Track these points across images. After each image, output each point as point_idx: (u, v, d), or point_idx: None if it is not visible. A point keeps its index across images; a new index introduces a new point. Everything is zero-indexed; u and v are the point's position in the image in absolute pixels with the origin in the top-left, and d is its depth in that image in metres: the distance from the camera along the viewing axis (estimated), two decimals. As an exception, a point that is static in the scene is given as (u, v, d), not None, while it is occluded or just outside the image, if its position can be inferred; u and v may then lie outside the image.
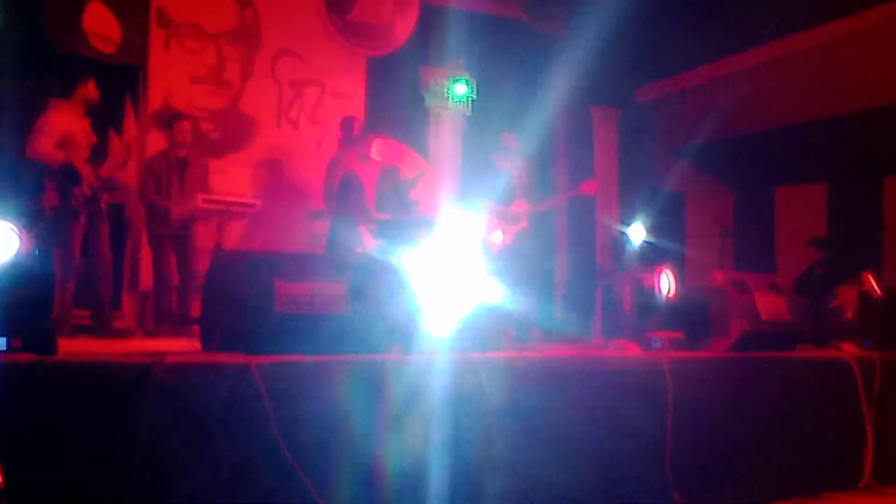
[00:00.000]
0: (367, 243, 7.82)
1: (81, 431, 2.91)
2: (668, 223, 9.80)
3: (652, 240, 8.25)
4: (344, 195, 7.85)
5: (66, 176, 6.74)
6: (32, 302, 3.24)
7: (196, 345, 3.76)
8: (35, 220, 6.56)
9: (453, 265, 4.08)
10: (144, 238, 8.34)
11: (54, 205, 6.78)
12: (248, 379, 3.15)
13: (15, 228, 3.25)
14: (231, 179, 9.02)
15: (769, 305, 4.77)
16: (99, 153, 7.08)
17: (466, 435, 3.58)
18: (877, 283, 5.49)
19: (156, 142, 8.41)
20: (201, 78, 9.17)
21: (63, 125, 6.81)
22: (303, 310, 3.55)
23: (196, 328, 3.96)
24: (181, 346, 3.95)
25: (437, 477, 3.48)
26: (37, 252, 3.36)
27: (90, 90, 7.02)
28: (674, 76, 10.47)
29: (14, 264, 3.21)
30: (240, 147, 9.34)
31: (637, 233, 8.36)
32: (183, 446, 3.05)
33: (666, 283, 4.74)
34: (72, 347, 3.63)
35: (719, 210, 11.47)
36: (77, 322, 6.93)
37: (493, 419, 3.59)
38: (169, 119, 8.00)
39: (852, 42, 8.59)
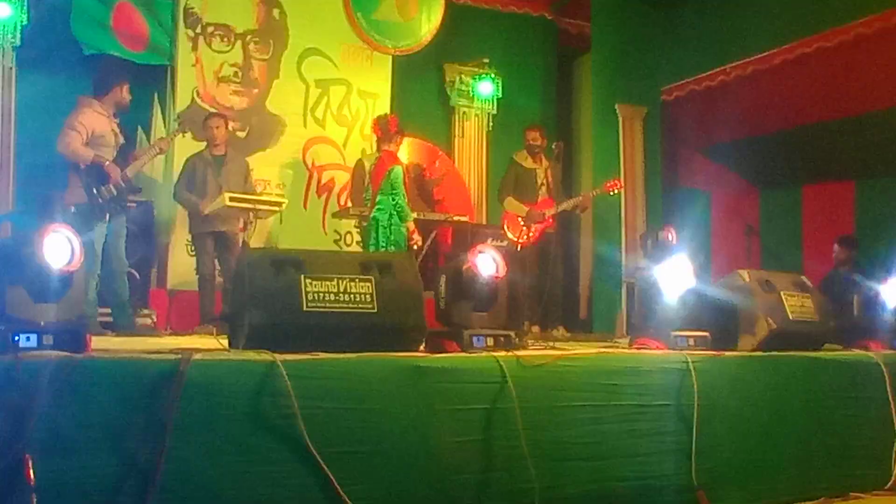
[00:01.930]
0: (415, 239, 7.89)
1: (110, 428, 2.94)
2: (693, 222, 9.76)
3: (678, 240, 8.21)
4: (388, 191, 7.88)
5: (94, 175, 6.80)
6: (63, 299, 3.28)
7: (223, 342, 3.78)
8: (61, 216, 6.61)
9: (475, 259, 4.09)
10: (173, 236, 8.43)
11: (79, 202, 6.84)
12: (275, 376, 3.16)
13: (75, 239, 3.30)
14: (258, 178, 9.07)
15: (796, 304, 4.74)
16: (125, 154, 7.13)
17: (495, 433, 3.58)
18: None
19: (184, 142, 8.48)
20: (228, 77, 9.24)
21: (94, 124, 6.87)
22: (330, 308, 3.57)
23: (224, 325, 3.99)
24: (208, 344, 3.97)
25: (465, 475, 3.50)
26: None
27: (124, 93, 7.08)
28: (700, 74, 10.41)
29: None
30: (266, 146, 9.40)
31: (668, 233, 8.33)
32: (210, 443, 3.07)
33: (679, 274, 4.70)
34: (100, 344, 3.65)
35: (745, 208, 11.39)
36: (100, 319, 7.00)
37: (519, 417, 3.59)
38: (204, 119, 8.05)
39: (881, 39, 8.53)
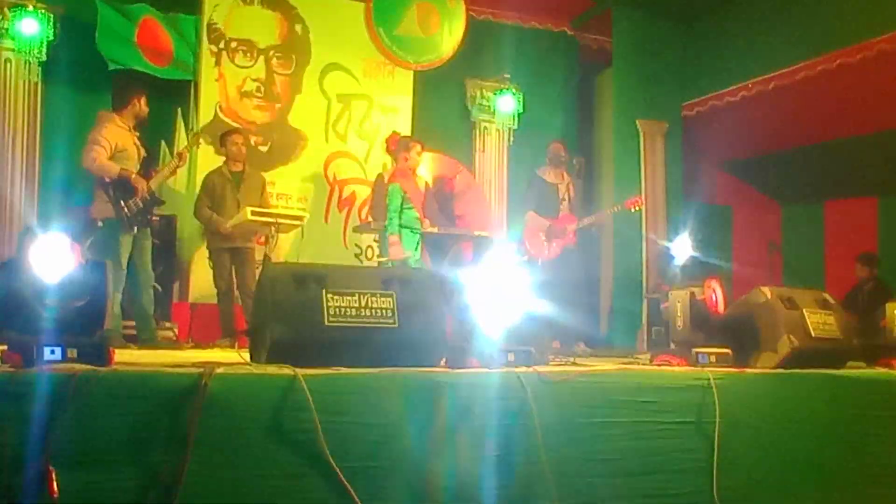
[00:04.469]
0: (424, 257, 7.88)
1: (133, 441, 2.96)
2: (715, 238, 9.74)
3: (698, 255, 8.18)
4: (394, 207, 7.91)
5: (121, 188, 6.86)
6: (86, 314, 3.29)
7: (245, 356, 3.80)
8: (88, 231, 6.68)
9: (499, 277, 4.10)
10: (195, 250, 8.47)
11: (107, 216, 6.90)
12: (297, 390, 3.18)
13: (70, 243, 3.31)
14: (279, 192, 9.13)
15: (819, 322, 4.71)
16: (148, 166, 7.18)
17: (515, 449, 3.58)
18: None
19: (206, 155, 8.53)
20: (251, 92, 9.29)
21: (117, 138, 6.93)
22: (351, 322, 3.58)
23: (246, 340, 4.01)
24: (230, 358, 3.98)
25: (486, 491, 3.49)
26: (90, 264, 3.42)
27: (142, 105, 7.14)
28: (721, 90, 10.40)
29: (68, 277, 3.26)
30: (288, 160, 9.44)
31: (682, 248, 8.29)
32: (231, 456, 3.09)
33: (712, 296, 4.70)
34: (123, 358, 3.68)
35: (767, 224, 11.35)
36: (124, 332, 7.03)
37: (540, 433, 3.59)
38: (222, 135, 8.10)
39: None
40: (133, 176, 6.89)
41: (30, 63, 8.44)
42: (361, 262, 9.52)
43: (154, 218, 7.38)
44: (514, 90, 10.66)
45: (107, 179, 6.86)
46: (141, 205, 6.90)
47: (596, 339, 9.91)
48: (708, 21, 10.76)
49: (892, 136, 9.36)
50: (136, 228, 6.93)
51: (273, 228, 7.63)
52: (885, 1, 8.59)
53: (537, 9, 10.95)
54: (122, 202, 6.84)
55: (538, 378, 3.72)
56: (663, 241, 10.06)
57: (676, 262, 8.11)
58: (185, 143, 8.38)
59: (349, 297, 3.61)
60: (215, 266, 7.80)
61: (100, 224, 6.89)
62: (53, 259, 3.25)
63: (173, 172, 7.52)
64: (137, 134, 7.18)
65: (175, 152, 8.13)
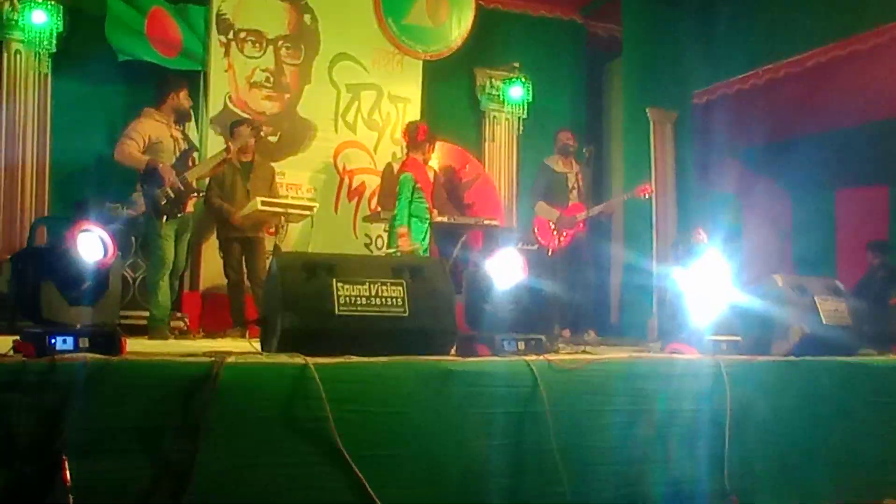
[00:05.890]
0: (433, 247, 7.87)
1: (144, 430, 2.97)
2: (725, 226, 9.70)
3: (708, 244, 8.17)
4: (405, 197, 7.89)
5: (149, 178, 6.83)
6: (102, 304, 3.31)
7: (256, 345, 3.81)
8: (114, 223, 6.69)
9: (507, 263, 4.10)
10: (205, 239, 8.49)
11: (144, 211, 6.93)
12: (307, 379, 3.18)
13: (106, 236, 3.33)
14: (289, 182, 9.13)
15: (830, 309, 4.70)
16: (187, 159, 7.12)
17: (525, 437, 3.58)
18: None
19: (216, 146, 8.54)
20: (260, 82, 9.30)
21: (151, 132, 6.93)
22: (361, 311, 3.58)
23: (256, 329, 4.01)
24: (241, 347, 3.99)
25: (496, 479, 3.49)
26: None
27: (181, 100, 7.14)
28: (732, 78, 10.35)
29: (93, 268, 3.29)
30: (298, 150, 9.45)
31: (694, 238, 8.29)
32: (242, 445, 3.10)
33: (717, 285, 4.69)
34: (135, 348, 3.69)
35: (778, 213, 11.31)
36: (139, 323, 7.05)
37: (548, 421, 3.59)
38: (231, 125, 8.10)
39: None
40: (161, 166, 6.83)
41: (40, 54, 8.47)
42: (371, 251, 9.54)
43: (189, 209, 7.29)
44: (523, 79, 10.65)
45: (140, 171, 6.86)
46: (171, 194, 6.82)
47: (606, 327, 9.91)
48: (718, 9, 10.71)
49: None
50: (167, 217, 6.87)
51: (283, 218, 7.63)
52: (897, -13, 8.54)
53: (547, -3, 10.94)
54: (152, 192, 6.79)
55: (548, 366, 3.72)
56: (675, 229, 10.06)
57: (689, 252, 8.10)
58: (198, 133, 8.40)
59: (359, 286, 3.61)
60: (225, 256, 7.82)
61: (141, 219, 6.93)
62: (84, 249, 3.27)
63: (220, 165, 7.41)
64: (180, 128, 7.17)
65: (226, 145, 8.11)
